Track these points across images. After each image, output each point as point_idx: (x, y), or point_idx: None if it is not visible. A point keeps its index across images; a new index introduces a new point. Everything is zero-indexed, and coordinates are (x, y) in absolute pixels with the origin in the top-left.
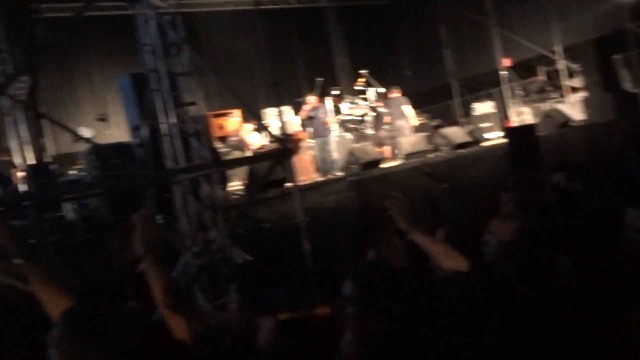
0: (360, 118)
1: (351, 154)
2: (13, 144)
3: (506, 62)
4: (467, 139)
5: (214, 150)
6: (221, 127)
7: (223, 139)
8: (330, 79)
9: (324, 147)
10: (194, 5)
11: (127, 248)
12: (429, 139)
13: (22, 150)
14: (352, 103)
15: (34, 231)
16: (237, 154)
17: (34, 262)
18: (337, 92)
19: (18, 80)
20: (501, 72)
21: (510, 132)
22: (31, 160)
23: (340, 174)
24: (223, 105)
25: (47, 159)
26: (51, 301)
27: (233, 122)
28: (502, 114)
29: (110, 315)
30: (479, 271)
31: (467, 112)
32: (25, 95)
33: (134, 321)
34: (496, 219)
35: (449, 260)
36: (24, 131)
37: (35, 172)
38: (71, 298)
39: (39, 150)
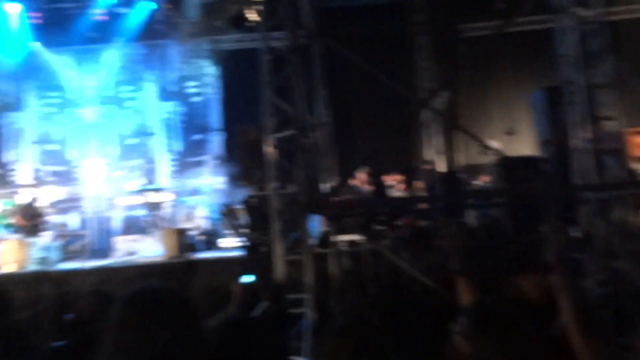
0: None
1: None
2: (428, 153)
3: None
4: None
5: (631, 171)
6: None
7: None
8: None
9: None
10: (622, 12)
11: (529, 259)
12: None
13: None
14: None
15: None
16: None
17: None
18: None
19: (439, 95)
20: None
21: None
22: (443, 168)
23: None
24: None
25: (456, 168)
26: (464, 293)
27: None
28: None
29: (516, 316)
30: None
31: None
32: (444, 108)
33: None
34: None
35: None
36: (438, 141)
37: (445, 180)
38: (478, 292)
39: (450, 160)
